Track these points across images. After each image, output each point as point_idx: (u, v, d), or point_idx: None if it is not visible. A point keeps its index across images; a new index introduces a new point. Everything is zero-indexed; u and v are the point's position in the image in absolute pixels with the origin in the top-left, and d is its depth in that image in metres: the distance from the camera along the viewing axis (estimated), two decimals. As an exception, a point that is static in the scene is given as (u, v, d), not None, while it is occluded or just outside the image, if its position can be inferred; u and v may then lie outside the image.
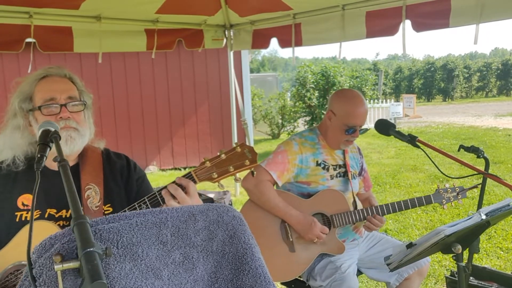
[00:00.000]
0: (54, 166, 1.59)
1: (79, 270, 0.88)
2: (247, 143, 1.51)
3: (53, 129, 1.32)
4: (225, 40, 4.34)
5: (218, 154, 1.47)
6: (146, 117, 8.96)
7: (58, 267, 0.86)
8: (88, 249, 0.81)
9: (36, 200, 1.51)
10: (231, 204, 4.61)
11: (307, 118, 13.08)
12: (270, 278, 1.20)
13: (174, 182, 1.48)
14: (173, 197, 1.45)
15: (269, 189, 2.34)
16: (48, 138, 1.28)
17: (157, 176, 8.46)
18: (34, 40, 3.12)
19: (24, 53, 3.35)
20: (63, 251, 0.93)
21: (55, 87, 1.59)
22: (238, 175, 1.49)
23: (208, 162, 1.47)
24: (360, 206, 2.58)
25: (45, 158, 1.21)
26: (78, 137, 1.59)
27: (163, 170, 9.12)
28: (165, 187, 1.48)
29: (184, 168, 9.24)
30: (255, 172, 1.62)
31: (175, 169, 9.22)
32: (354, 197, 2.53)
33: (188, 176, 1.48)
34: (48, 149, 1.25)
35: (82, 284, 0.80)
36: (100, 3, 3.12)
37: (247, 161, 1.45)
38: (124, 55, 8.52)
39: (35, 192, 1.04)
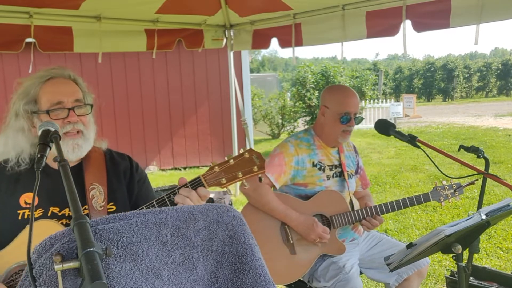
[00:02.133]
0: (56, 165, 1.58)
1: (79, 270, 0.89)
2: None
3: (53, 129, 1.33)
4: (225, 40, 4.33)
5: (226, 159, 1.45)
6: (146, 117, 8.96)
7: (58, 267, 0.86)
8: (88, 249, 0.81)
9: (38, 198, 1.54)
10: (231, 204, 4.61)
11: (307, 118, 13.08)
12: (270, 278, 1.20)
13: (178, 190, 1.46)
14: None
15: (267, 192, 2.34)
16: (48, 138, 1.29)
17: (157, 176, 8.46)
18: (34, 40, 3.12)
19: (24, 53, 3.35)
20: (63, 251, 0.93)
21: (61, 90, 1.58)
22: (245, 181, 1.47)
23: (217, 167, 1.45)
24: (357, 205, 2.58)
25: (45, 158, 1.22)
26: (85, 143, 1.60)
27: (163, 170, 9.12)
28: (174, 191, 1.47)
29: (184, 168, 9.24)
30: (262, 179, 1.60)
31: (175, 169, 9.22)
32: (350, 197, 2.53)
33: (197, 180, 1.46)
34: (48, 149, 1.26)
35: (82, 284, 0.80)
36: (100, 3, 3.12)
37: (255, 167, 1.44)
38: (124, 55, 8.52)
39: (35, 192, 1.04)
